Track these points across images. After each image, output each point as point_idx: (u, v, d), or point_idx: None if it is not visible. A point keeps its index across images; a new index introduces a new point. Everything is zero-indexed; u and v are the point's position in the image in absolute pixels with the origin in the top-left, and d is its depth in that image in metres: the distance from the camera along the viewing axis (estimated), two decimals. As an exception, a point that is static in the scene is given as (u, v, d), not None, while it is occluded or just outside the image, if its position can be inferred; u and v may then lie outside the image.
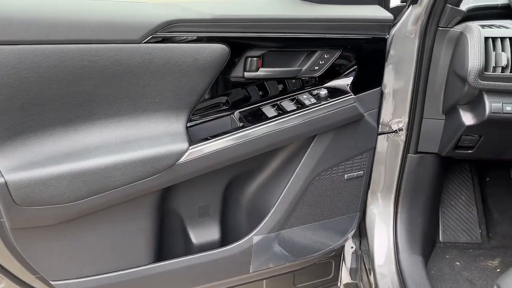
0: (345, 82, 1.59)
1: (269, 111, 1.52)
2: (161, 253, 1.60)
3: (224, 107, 1.55)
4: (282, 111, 1.51)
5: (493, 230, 2.21)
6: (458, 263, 2.05)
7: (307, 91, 1.57)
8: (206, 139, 1.46)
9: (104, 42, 1.29)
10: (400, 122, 1.88)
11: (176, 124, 1.45)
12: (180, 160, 1.41)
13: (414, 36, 1.72)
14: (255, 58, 1.48)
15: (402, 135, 1.89)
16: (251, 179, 1.67)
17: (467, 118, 1.72)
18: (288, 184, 1.62)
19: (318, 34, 1.50)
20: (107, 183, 1.35)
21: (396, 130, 1.88)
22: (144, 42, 1.33)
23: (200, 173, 1.47)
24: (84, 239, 1.46)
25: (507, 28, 1.67)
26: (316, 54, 1.54)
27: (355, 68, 1.59)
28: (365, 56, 1.58)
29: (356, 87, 1.59)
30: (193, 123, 1.51)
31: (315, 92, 1.56)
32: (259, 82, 1.55)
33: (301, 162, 1.61)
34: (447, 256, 2.09)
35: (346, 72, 1.59)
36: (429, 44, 1.74)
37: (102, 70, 1.31)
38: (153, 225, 1.54)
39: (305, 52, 1.54)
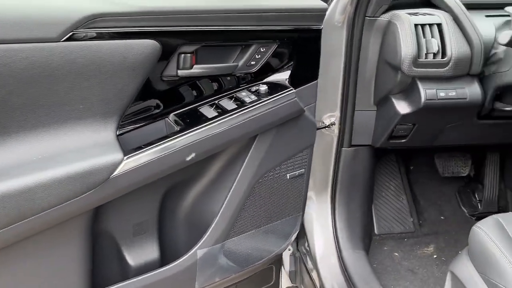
0: (283, 76, 1.51)
1: (208, 111, 1.39)
2: (94, 281, 1.41)
3: (157, 110, 1.40)
4: (222, 111, 1.39)
5: (422, 217, 2.25)
6: (396, 254, 2.05)
7: (245, 88, 1.46)
8: (140, 147, 1.30)
9: (16, 42, 1.09)
10: (332, 116, 1.83)
11: (105, 133, 1.27)
12: (115, 173, 1.23)
13: (341, 26, 1.68)
14: (189, 54, 1.34)
15: (335, 129, 1.85)
16: (189, 188, 1.53)
17: (402, 107, 1.71)
18: (231, 190, 1.50)
19: (252, 26, 1.40)
20: (31, 206, 1.14)
21: (329, 124, 1.84)
22: (64, 40, 1.15)
23: (138, 186, 1.30)
24: (3, 277, 1.23)
25: (432, 15, 1.68)
26: (252, 48, 1.43)
27: (292, 61, 1.51)
28: (302, 48, 1.51)
29: (295, 81, 1.51)
30: (124, 130, 1.34)
31: (254, 88, 1.46)
32: (194, 81, 1.42)
33: (244, 165, 1.49)
34: (385, 248, 2.08)
35: (284, 66, 1.50)
36: (358, 34, 1.71)
37: (15, 74, 1.11)
38: (85, 251, 1.34)
39: (240, 46, 1.43)
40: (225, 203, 1.51)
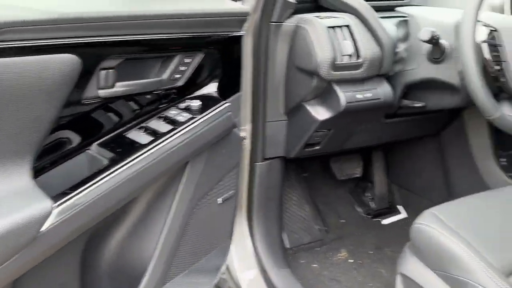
0: (211, 89, 1.34)
1: (139, 136, 1.17)
2: None
3: (75, 142, 1.13)
4: (156, 134, 1.17)
5: (325, 223, 2.23)
6: (315, 265, 1.98)
7: (173, 106, 1.26)
8: (65, 193, 1.03)
9: None
10: (243, 130, 1.71)
11: (19, 177, 0.98)
12: (44, 227, 0.95)
13: (246, 33, 1.58)
14: (111, 70, 1.11)
15: (247, 144, 1.73)
16: (114, 232, 1.27)
17: (320, 113, 1.65)
18: (165, 227, 1.28)
19: (174, 34, 1.22)
20: None
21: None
22: (-40, 59, 0.85)
23: (70, 239, 1.03)
24: None
25: (337, 17, 1.66)
26: (176, 59, 1.25)
27: (219, 72, 1.35)
28: (226, 57, 1.36)
29: (223, 94, 1.36)
30: (39, 171, 1.06)
31: (183, 105, 1.27)
32: (115, 101, 1.19)
33: (178, 195, 1.28)
34: (302, 261, 2.00)
35: (211, 78, 1.34)
36: (264, 41, 1.61)
37: None
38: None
39: (161, 59, 1.24)
40: (159, 243, 1.28)
